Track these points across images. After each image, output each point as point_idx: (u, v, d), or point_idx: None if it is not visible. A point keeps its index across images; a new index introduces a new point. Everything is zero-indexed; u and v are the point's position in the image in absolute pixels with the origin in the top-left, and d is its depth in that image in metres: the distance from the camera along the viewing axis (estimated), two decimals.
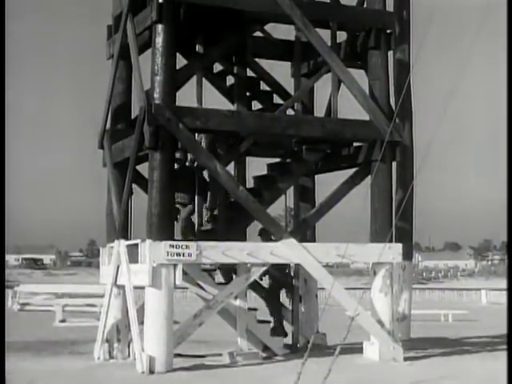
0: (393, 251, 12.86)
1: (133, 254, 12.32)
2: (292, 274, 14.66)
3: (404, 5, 13.82)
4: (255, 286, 14.21)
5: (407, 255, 13.65)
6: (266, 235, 13.37)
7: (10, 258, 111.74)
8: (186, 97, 13.49)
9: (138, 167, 13.08)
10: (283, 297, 14.80)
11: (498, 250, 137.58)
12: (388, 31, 13.34)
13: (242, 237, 13.51)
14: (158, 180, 11.87)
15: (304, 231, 14.04)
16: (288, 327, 14.47)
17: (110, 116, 13.87)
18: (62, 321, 22.91)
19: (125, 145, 13.15)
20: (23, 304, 29.59)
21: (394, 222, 13.13)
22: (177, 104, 12.14)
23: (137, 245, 12.19)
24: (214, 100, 14.54)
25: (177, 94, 12.37)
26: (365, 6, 13.60)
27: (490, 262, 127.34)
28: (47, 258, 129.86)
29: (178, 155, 13.03)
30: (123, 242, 12.75)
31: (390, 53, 13.69)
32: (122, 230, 13.03)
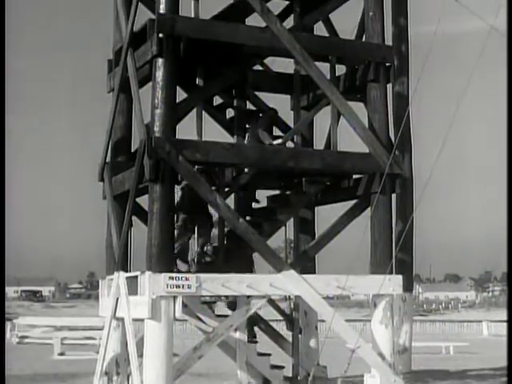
0: (393, 283, 12.84)
1: (132, 286, 12.30)
2: (292, 306, 14.64)
3: (402, 38, 13.94)
4: (255, 319, 14.17)
5: (408, 287, 13.63)
6: None
7: (9, 291, 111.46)
8: (186, 129, 13.58)
9: (137, 199, 13.11)
10: (284, 329, 14.76)
11: (498, 281, 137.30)
12: (387, 64, 13.45)
13: (242, 268, 13.49)
14: (158, 212, 11.89)
15: (304, 263, 14.04)
16: (288, 359, 14.41)
17: (110, 149, 13.95)
18: (61, 354, 22.83)
19: (125, 177, 13.20)
20: (22, 337, 29.51)
21: (394, 253, 13.13)
22: (177, 137, 12.20)
23: (136, 277, 12.18)
24: (214, 133, 14.63)
25: (177, 126, 12.45)
26: (364, 39, 13.73)
27: (490, 294, 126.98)
28: (46, 290, 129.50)
29: None
30: (123, 274, 12.74)
31: (389, 85, 13.79)
32: (122, 262, 13.02)
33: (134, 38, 12.83)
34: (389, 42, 13.71)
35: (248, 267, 13.34)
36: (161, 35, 11.97)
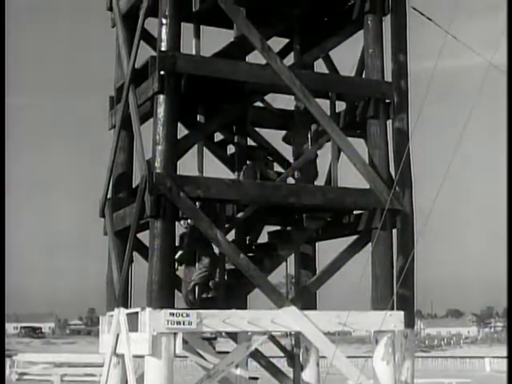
0: (394, 319, 12.81)
1: (133, 323, 12.27)
2: (293, 343, 14.58)
3: (402, 75, 14.02)
4: (256, 355, 14.10)
5: (409, 323, 13.55)
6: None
7: (9, 327, 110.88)
8: (187, 166, 13.64)
9: (138, 235, 13.13)
10: (285, 365, 14.68)
11: (500, 317, 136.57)
12: (387, 101, 13.55)
13: (242, 304, 13.47)
14: (159, 248, 11.90)
15: (305, 299, 14.01)
16: None
17: (111, 185, 13.99)
18: None
19: (126, 213, 13.22)
20: (21, 374, 29.34)
21: (396, 289, 13.11)
22: (178, 173, 12.26)
23: (137, 313, 12.15)
24: (215, 169, 14.69)
25: (178, 162, 12.51)
26: (363, 76, 13.84)
27: (492, 329, 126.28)
28: (46, 327, 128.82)
29: None
30: (123, 311, 12.70)
31: (389, 121, 13.86)
32: (122, 298, 12.99)
33: (135, 75, 12.94)
34: (388, 78, 13.81)
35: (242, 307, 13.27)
36: (162, 72, 12.07)
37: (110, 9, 14.55)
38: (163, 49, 12.19)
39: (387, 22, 13.95)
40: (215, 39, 14.72)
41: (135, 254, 13.25)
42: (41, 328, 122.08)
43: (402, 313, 12.96)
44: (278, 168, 14.73)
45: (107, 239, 13.80)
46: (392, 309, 12.57)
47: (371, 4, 13.52)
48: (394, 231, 13.51)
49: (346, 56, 15.00)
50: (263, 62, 12.85)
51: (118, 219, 13.53)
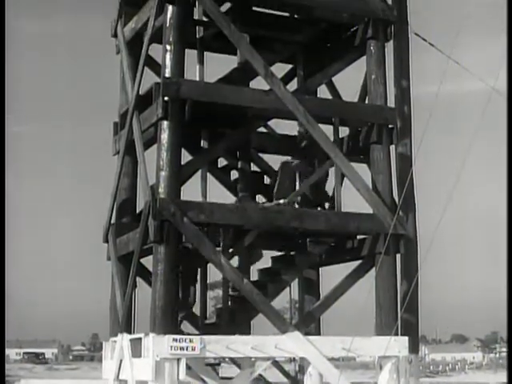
0: (399, 344, 12.75)
1: (136, 348, 12.23)
2: (297, 368, 14.51)
3: (405, 100, 14.07)
4: (260, 381, 14.04)
5: (413, 348, 13.48)
6: None
7: (11, 353, 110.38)
8: (190, 190, 13.66)
9: (142, 260, 13.12)
10: None
11: (505, 342, 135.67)
12: (390, 126, 13.58)
13: (246, 330, 13.43)
14: (163, 273, 11.88)
15: (309, 324, 13.96)
16: None
17: (115, 210, 14.00)
18: None
19: (129, 238, 13.22)
20: None
21: (400, 314, 13.06)
22: (181, 198, 12.27)
23: (140, 339, 12.12)
24: (219, 194, 14.70)
25: (181, 188, 12.53)
26: (366, 101, 13.89)
27: (497, 355, 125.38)
28: (49, 352, 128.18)
29: None
30: (126, 336, 12.67)
31: (393, 146, 13.89)
32: (126, 324, 12.96)
33: (139, 101, 13.00)
34: (391, 103, 13.86)
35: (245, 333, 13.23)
36: (166, 98, 12.13)
37: (115, 35, 14.65)
38: (167, 75, 12.25)
39: (390, 47, 14.04)
40: (219, 65, 14.81)
41: (138, 279, 13.23)
42: (44, 354, 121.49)
43: (406, 338, 12.90)
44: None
45: (110, 264, 13.79)
46: (396, 334, 12.51)
47: (373, 30, 13.60)
48: (398, 256, 13.49)
49: (349, 81, 15.07)
50: (267, 87, 12.91)
51: (122, 244, 13.53)
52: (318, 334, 14.35)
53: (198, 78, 14.09)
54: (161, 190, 12.02)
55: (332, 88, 14.85)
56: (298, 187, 13.79)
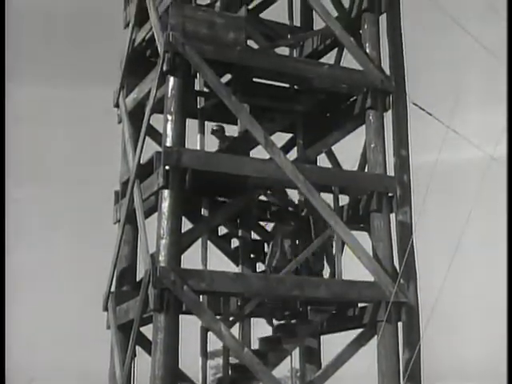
0: None
1: None
2: None
3: (404, 169, 14.17)
4: None
5: None
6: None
7: None
8: (191, 259, 13.64)
9: (142, 329, 13.03)
10: None
11: None
12: (390, 194, 13.66)
13: None
14: (162, 342, 11.80)
15: None
16: None
17: (115, 278, 13.97)
18: None
19: (129, 307, 13.17)
20: None
21: (403, 383, 12.92)
22: (182, 266, 12.26)
23: None
24: (219, 262, 14.68)
25: (182, 256, 12.52)
26: (366, 170, 13.99)
27: None
28: None
29: None
30: None
31: (393, 214, 13.93)
32: None
33: (140, 170, 13.10)
34: (391, 172, 13.96)
35: None
36: (167, 167, 12.23)
37: (117, 105, 14.84)
38: (168, 144, 12.36)
39: (388, 116, 14.20)
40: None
41: (138, 348, 13.13)
42: None
43: None
44: None
45: (110, 333, 13.70)
46: None
47: (372, 100, 13.78)
48: (400, 324, 13.41)
49: (349, 149, 15.20)
50: (267, 156, 13.03)
51: (122, 313, 13.47)
52: None
53: (198, 147, 14.20)
54: (161, 258, 12.01)
55: (331, 156, 14.97)
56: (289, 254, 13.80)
